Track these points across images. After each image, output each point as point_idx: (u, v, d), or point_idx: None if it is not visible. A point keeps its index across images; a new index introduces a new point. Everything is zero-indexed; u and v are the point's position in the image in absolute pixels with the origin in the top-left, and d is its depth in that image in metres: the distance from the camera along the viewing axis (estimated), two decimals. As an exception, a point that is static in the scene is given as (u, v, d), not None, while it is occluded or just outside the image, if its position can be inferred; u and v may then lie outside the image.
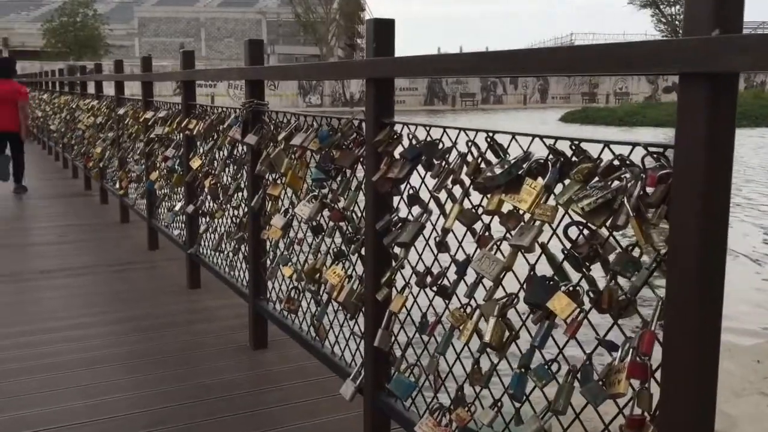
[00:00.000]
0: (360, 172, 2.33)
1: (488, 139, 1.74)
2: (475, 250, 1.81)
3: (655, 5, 43.98)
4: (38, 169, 10.55)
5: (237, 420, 2.65)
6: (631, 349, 1.34)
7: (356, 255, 2.40)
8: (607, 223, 1.35)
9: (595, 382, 1.42)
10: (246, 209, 3.37)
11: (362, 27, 63.12)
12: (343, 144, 2.41)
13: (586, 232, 1.48)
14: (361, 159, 2.29)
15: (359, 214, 2.37)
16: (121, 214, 6.35)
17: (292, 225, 2.86)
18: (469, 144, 1.81)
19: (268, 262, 3.16)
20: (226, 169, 3.64)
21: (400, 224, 2.13)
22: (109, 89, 7.16)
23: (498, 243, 1.72)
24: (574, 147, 1.48)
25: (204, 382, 2.97)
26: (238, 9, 62.37)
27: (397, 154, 2.10)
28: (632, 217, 1.27)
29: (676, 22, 43.64)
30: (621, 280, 1.42)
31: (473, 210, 1.82)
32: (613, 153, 1.39)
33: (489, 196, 1.70)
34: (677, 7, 44.11)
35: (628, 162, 1.36)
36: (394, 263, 2.16)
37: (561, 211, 1.49)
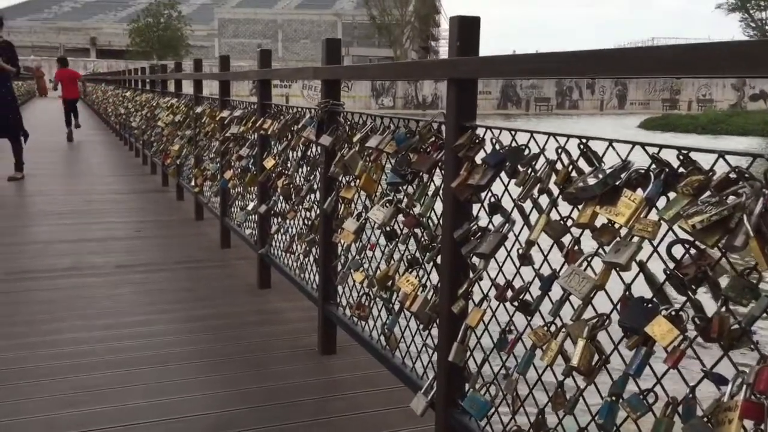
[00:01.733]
0: (437, 177, 2.23)
1: (581, 146, 1.61)
2: (562, 265, 1.68)
3: (744, 9, 42.14)
4: (119, 164, 10.88)
5: (303, 427, 2.58)
6: (744, 386, 1.19)
7: (431, 264, 2.29)
8: (721, 243, 1.20)
9: (700, 418, 1.28)
10: (318, 211, 3.32)
11: (437, 30, 62.98)
12: (420, 147, 2.31)
13: (692, 251, 1.33)
14: (440, 163, 2.18)
15: (435, 221, 2.27)
16: (196, 212, 6.44)
17: (365, 229, 2.78)
18: (559, 151, 1.68)
19: (339, 266, 3.10)
20: (300, 170, 3.60)
21: (479, 234, 2.01)
22: (188, 88, 7.29)
23: (589, 258, 1.59)
24: (681, 157, 1.34)
25: (271, 386, 2.92)
26: (314, 11, 63.29)
27: (478, 159, 1.99)
28: (753, 238, 1.12)
29: (766, 27, 41.74)
30: (731, 306, 1.27)
31: (561, 222, 1.69)
32: (730, 165, 1.24)
33: (580, 207, 1.57)
34: (767, 11, 42.21)
35: (746, 175, 1.21)
36: (471, 274, 2.05)
37: (661, 227, 1.36)
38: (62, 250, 5.22)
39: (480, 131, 2.01)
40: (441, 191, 2.18)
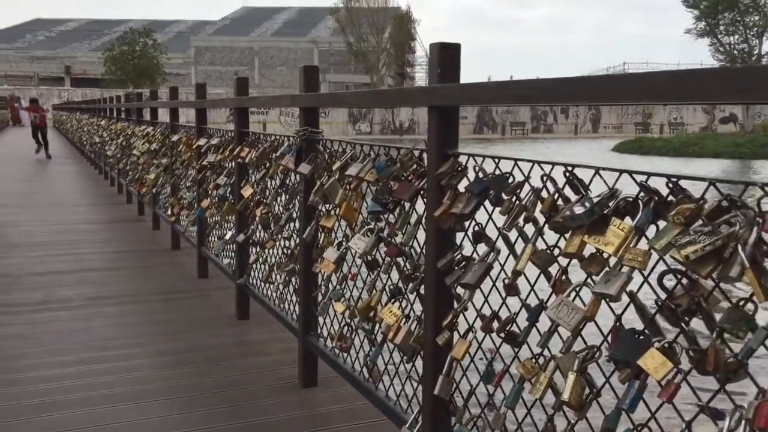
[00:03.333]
0: (419, 205, 2.19)
1: (567, 174, 1.58)
2: (550, 296, 1.64)
3: (712, 34, 43.10)
4: (93, 194, 10.73)
5: (284, 465, 2.50)
6: (743, 421, 1.15)
7: (414, 294, 2.24)
8: (715, 274, 1.17)
9: (697, 455, 1.24)
10: (297, 240, 3.26)
11: (412, 56, 63.46)
12: (402, 175, 2.27)
13: (684, 281, 1.30)
14: (422, 192, 2.14)
15: (418, 251, 2.22)
16: (172, 241, 6.33)
17: (346, 259, 2.73)
18: (545, 179, 1.65)
19: (320, 296, 3.03)
20: (278, 199, 3.54)
21: (463, 263, 1.97)
22: (164, 116, 7.22)
23: (577, 289, 1.55)
24: (671, 185, 1.31)
25: (251, 421, 2.84)
26: (291, 38, 63.57)
27: (461, 187, 1.95)
28: (748, 269, 1.09)
29: (735, 52, 42.67)
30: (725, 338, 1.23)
31: (548, 251, 1.65)
32: (721, 193, 1.21)
33: (567, 236, 1.54)
34: (736, 36, 43.18)
35: (739, 203, 1.18)
36: (456, 305, 2.00)
37: (651, 256, 1.32)
38: (33, 283, 5.09)
39: (462, 159, 1.98)
40: (423, 220, 2.14)
